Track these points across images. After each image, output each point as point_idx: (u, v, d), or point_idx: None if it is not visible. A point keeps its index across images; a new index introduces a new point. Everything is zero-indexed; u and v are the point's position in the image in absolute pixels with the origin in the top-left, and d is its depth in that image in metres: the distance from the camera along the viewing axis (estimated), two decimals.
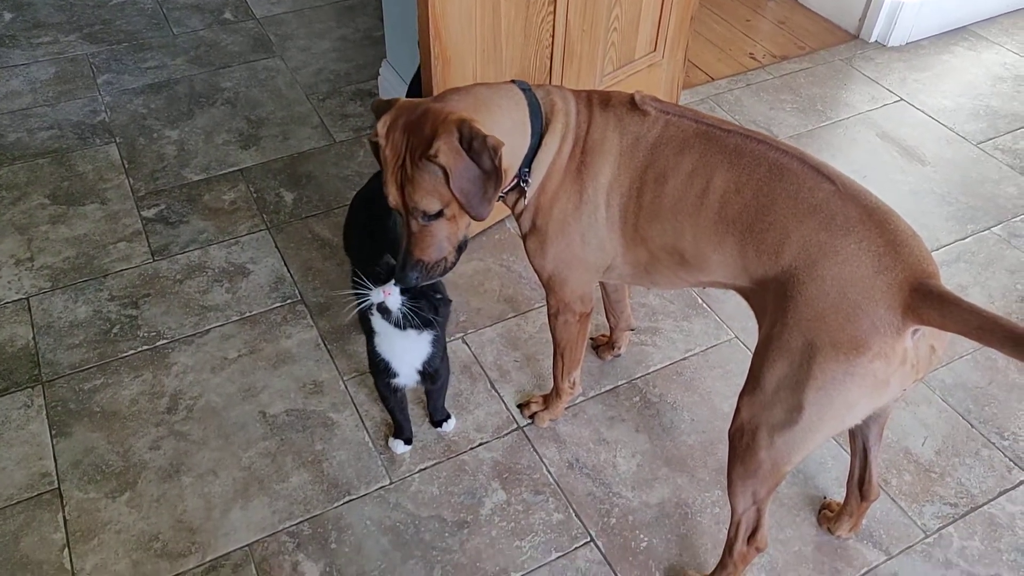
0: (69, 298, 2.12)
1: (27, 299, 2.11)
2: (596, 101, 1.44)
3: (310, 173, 2.51)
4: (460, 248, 1.42)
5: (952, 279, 2.22)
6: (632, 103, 1.41)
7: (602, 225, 1.44)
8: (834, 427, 1.25)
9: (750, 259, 1.29)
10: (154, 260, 2.22)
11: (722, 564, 1.51)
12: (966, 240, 2.34)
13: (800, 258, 1.22)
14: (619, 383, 1.96)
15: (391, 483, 1.75)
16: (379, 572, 1.61)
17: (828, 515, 1.69)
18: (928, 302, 1.13)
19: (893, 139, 2.70)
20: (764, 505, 1.40)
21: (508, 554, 1.64)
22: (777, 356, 1.23)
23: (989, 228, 2.38)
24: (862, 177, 2.54)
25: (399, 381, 1.66)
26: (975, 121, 2.78)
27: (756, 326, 1.34)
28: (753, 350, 1.30)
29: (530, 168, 1.42)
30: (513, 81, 1.45)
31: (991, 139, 2.71)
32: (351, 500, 1.72)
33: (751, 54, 3.07)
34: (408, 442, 1.80)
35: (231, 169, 2.53)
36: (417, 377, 1.66)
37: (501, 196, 1.46)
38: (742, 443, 1.33)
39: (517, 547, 1.65)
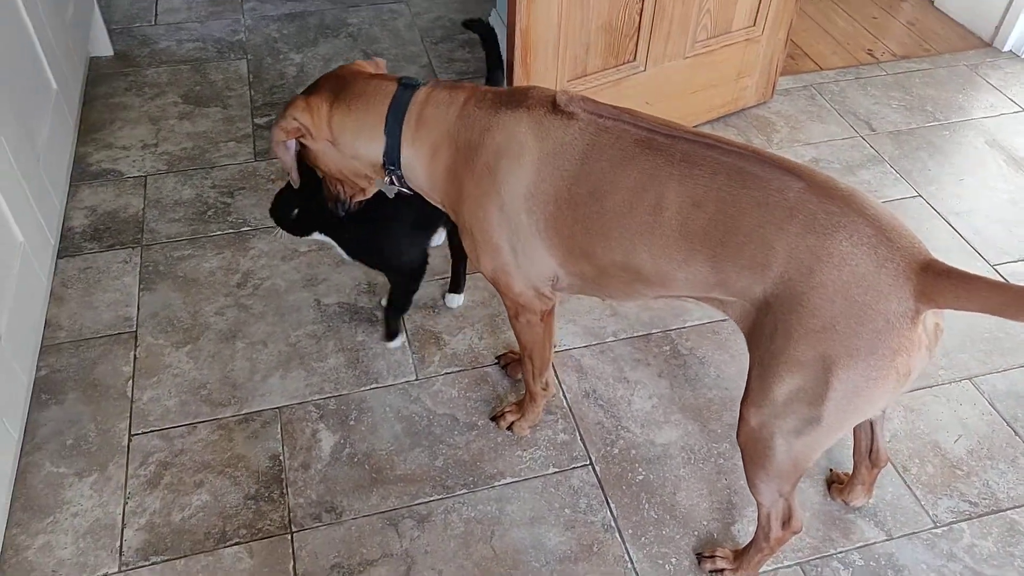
0: (179, 181, 2.38)
1: (145, 177, 2.39)
2: (503, 101, 1.34)
3: None
4: (339, 203, 1.57)
5: None
6: (554, 104, 1.31)
7: (527, 235, 1.35)
8: (856, 421, 1.24)
9: (729, 275, 1.21)
10: (255, 160, 2.46)
11: (756, 547, 1.48)
12: None
13: (792, 268, 1.14)
14: (652, 331, 1.99)
15: (416, 379, 1.87)
16: (387, 452, 1.73)
17: (839, 487, 1.66)
18: (941, 284, 1.08)
19: (1003, 147, 2.55)
20: (791, 496, 1.38)
21: (508, 460, 1.73)
22: (786, 371, 1.18)
23: None
24: (958, 180, 2.43)
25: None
26: None
27: None
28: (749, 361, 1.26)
29: (397, 166, 1.41)
30: (402, 80, 1.40)
31: None
32: (377, 388, 1.86)
33: (869, 50, 2.97)
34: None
35: None
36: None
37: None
38: (757, 449, 1.30)
39: (518, 456, 1.73)
